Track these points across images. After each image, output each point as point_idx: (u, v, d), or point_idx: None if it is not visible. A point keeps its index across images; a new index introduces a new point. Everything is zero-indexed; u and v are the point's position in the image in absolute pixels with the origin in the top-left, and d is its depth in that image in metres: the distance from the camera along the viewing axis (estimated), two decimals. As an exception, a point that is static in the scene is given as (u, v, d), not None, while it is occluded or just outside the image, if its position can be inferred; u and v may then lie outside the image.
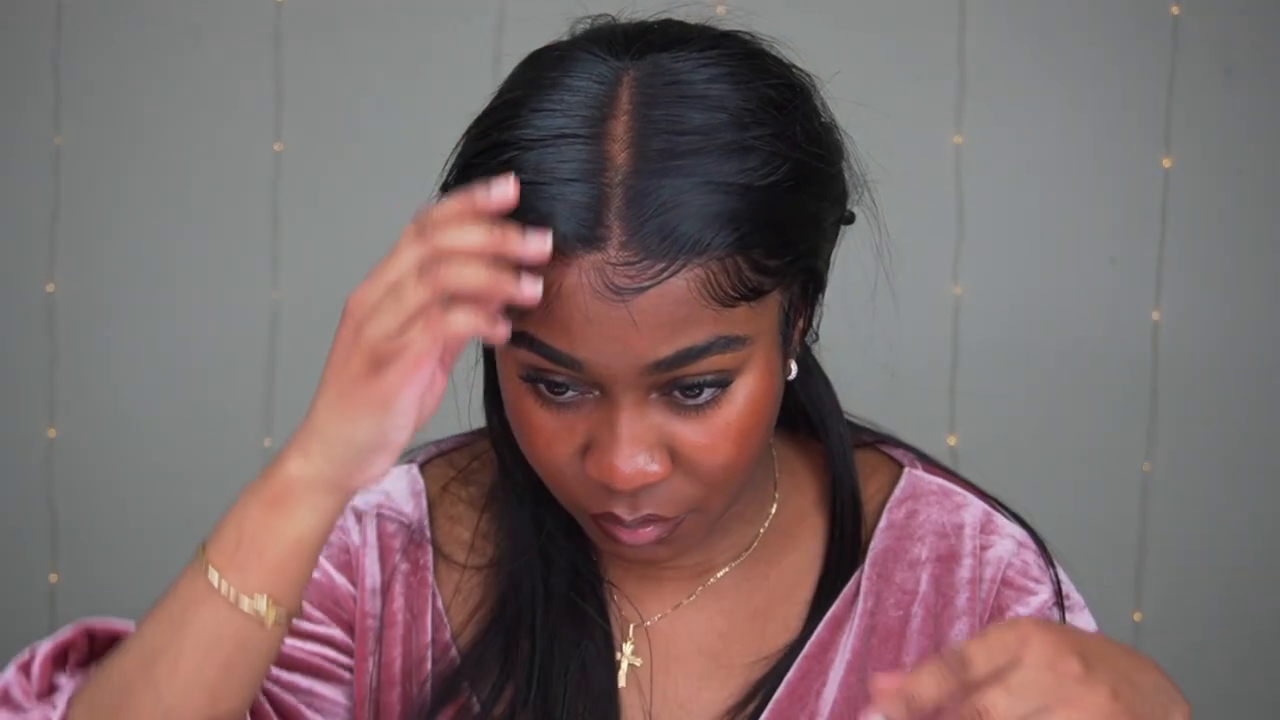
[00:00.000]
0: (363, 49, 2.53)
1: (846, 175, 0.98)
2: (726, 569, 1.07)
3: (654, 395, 0.91)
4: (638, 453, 0.91)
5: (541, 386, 0.93)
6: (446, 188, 0.95)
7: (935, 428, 2.51)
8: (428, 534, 1.10)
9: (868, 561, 1.06)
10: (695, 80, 0.90)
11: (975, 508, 1.09)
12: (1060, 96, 2.53)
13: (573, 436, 0.93)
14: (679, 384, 0.91)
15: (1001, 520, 1.09)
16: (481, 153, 0.92)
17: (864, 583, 1.06)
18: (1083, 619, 1.07)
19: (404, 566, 1.10)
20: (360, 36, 2.53)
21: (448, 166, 0.96)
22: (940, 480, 1.10)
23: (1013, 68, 2.53)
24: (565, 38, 0.97)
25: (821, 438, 1.09)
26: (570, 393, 0.92)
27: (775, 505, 1.08)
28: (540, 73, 0.93)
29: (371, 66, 2.52)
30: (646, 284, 0.87)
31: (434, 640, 1.08)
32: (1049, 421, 2.55)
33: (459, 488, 1.12)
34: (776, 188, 0.90)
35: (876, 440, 1.12)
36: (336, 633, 1.08)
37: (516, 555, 1.07)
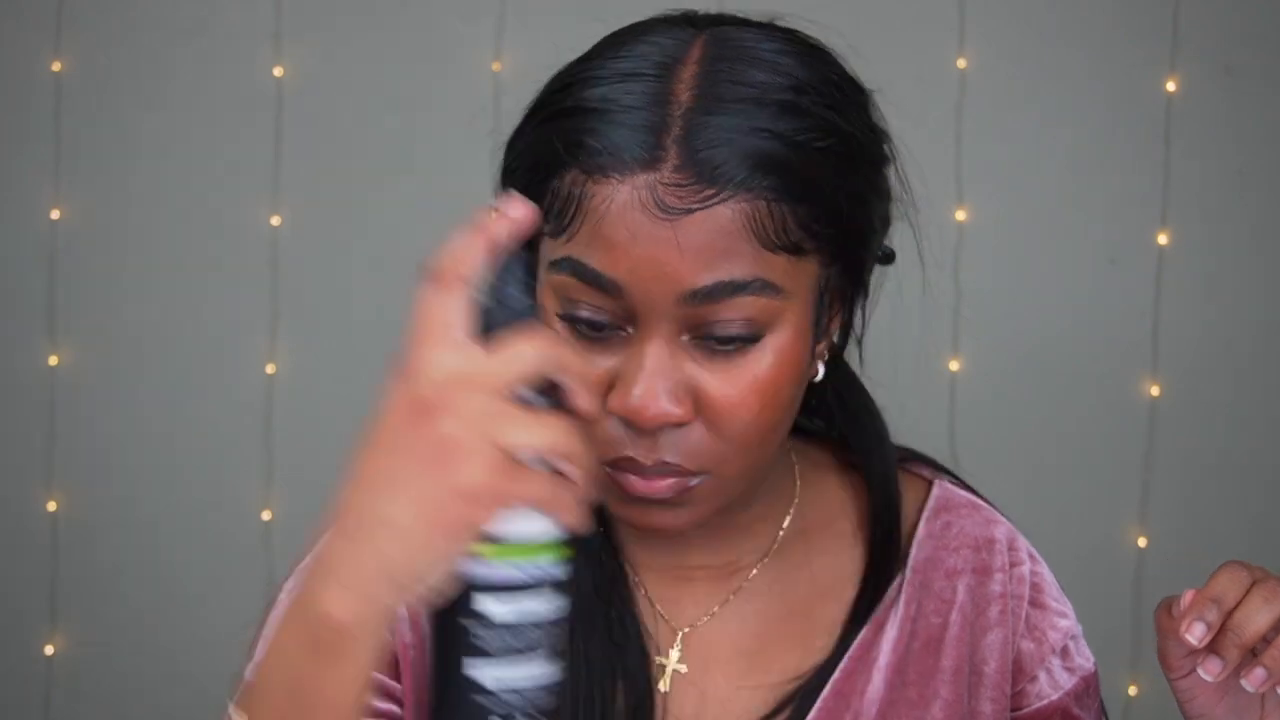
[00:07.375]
0: (363, 49, 2.53)
1: (893, 185, 1.00)
2: (755, 570, 1.07)
3: (685, 338, 0.92)
4: (661, 387, 0.91)
5: (580, 326, 0.92)
6: (515, 140, 0.97)
7: (935, 429, 2.51)
8: None
9: (909, 568, 1.08)
10: (762, 49, 0.94)
11: (1003, 525, 1.12)
12: (1060, 96, 2.53)
13: (602, 375, 0.93)
14: (711, 331, 0.91)
15: (1024, 541, 1.12)
16: (555, 92, 0.95)
17: (905, 589, 1.07)
18: (1086, 648, 1.11)
19: None
20: (360, 36, 2.53)
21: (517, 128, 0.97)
22: (968, 495, 1.13)
23: (1013, 67, 2.53)
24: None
25: (854, 444, 1.10)
26: (606, 330, 0.92)
27: (794, 506, 1.08)
28: (615, 37, 0.97)
29: (371, 66, 2.52)
30: (695, 206, 0.88)
31: None
32: (1048, 422, 2.55)
33: None
34: (827, 153, 0.92)
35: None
36: (395, 708, 1.02)
37: None
